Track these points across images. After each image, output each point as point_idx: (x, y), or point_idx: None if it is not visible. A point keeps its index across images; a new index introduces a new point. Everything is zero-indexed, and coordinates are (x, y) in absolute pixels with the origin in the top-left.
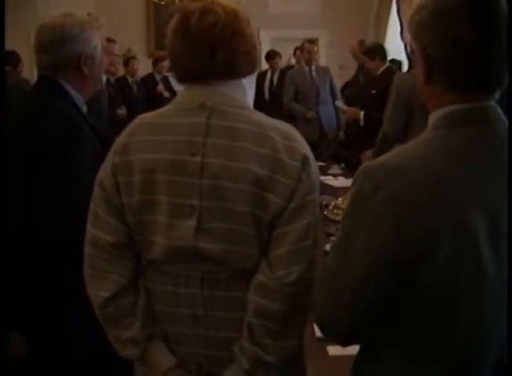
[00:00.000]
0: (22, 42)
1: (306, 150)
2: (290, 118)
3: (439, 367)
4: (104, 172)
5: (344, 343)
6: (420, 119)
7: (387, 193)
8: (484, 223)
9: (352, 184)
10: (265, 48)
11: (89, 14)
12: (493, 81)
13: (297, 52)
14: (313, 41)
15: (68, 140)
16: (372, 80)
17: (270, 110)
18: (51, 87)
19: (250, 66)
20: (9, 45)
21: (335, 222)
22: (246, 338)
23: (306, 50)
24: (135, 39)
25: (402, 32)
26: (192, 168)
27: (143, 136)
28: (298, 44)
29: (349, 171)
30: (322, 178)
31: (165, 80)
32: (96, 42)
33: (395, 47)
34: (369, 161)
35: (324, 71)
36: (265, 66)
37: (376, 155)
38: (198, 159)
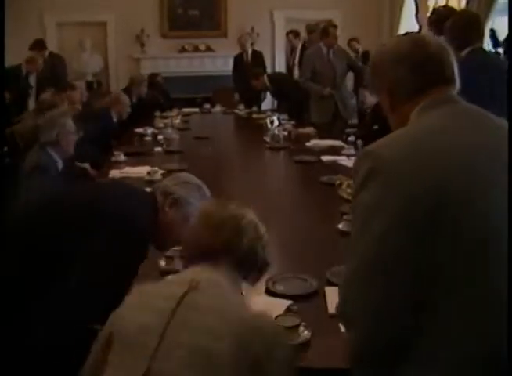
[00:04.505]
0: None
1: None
2: (307, 96)
3: None
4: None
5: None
6: None
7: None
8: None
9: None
10: (278, 29)
11: None
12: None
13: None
14: (336, 26)
15: None
16: None
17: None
18: None
19: (261, 270)
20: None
21: (348, 201)
22: None
23: (331, 35)
24: (149, 20)
25: (417, 15)
26: (153, 331)
27: (136, 299)
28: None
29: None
30: (336, 158)
31: (163, 93)
32: None
33: (410, 28)
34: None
35: (342, 53)
36: (279, 44)
37: None
38: (163, 324)
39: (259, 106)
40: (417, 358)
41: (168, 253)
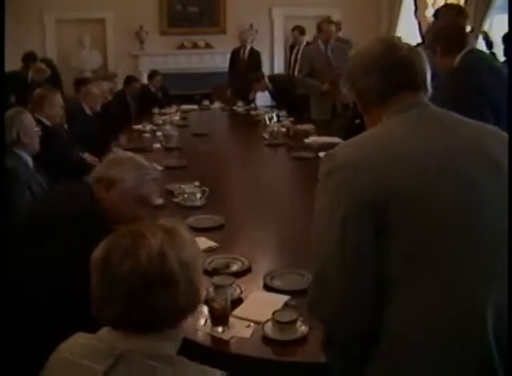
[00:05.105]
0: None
1: None
2: (307, 94)
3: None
4: None
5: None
6: None
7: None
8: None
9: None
10: (277, 26)
11: None
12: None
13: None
14: (331, 21)
15: None
16: None
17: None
18: None
19: (183, 313)
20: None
21: None
22: None
23: (324, 30)
24: (148, 16)
25: (416, 11)
26: None
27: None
28: (310, 21)
29: None
30: None
31: (161, 90)
32: None
33: (408, 25)
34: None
35: (340, 50)
36: (278, 41)
37: None
38: None
39: (249, 103)
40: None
41: None
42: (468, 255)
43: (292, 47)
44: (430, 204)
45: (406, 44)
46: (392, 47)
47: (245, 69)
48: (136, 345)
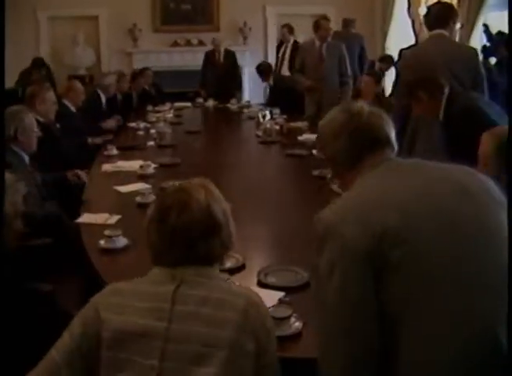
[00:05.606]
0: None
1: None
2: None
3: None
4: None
5: None
6: None
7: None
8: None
9: None
10: (271, 24)
11: None
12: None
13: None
14: (328, 19)
15: None
16: None
17: None
18: None
19: (225, 250)
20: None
21: (339, 195)
22: None
23: (323, 27)
24: (141, 14)
25: (409, 9)
26: (156, 333)
27: (115, 299)
28: (304, 19)
29: None
30: None
31: (143, 93)
32: None
33: (402, 23)
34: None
35: (335, 48)
36: (271, 39)
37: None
38: (164, 324)
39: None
40: None
41: (106, 233)
42: (464, 286)
43: (280, 45)
44: (420, 239)
45: (367, 109)
46: (355, 114)
47: (222, 70)
48: (193, 274)
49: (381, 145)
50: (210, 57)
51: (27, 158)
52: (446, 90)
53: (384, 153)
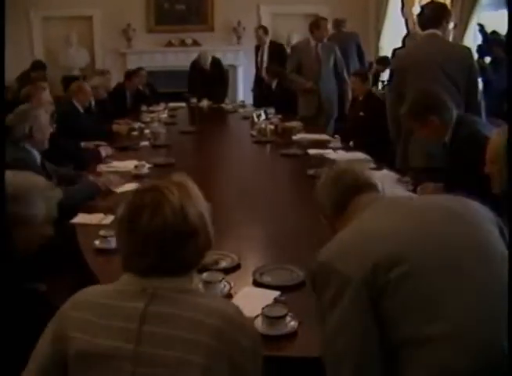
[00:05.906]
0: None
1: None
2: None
3: None
4: (43, 341)
5: None
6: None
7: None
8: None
9: None
10: (265, 24)
11: None
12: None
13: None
14: (326, 19)
15: None
16: None
17: None
18: None
19: (202, 257)
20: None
21: None
22: None
23: (322, 27)
24: (135, 14)
25: (403, 8)
26: (123, 355)
27: (78, 314)
28: (298, 19)
29: (347, 144)
30: (322, 151)
31: (137, 93)
32: None
33: (395, 23)
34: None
35: (329, 49)
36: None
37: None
38: (131, 346)
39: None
40: None
41: (101, 233)
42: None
43: (257, 47)
44: (416, 262)
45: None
46: (341, 175)
47: (210, 76)
48: (166, 285)
49: (362, 190)
50: (196, 65)
51: (38, 157)
52: (454, 113)
53: (368, 196)
